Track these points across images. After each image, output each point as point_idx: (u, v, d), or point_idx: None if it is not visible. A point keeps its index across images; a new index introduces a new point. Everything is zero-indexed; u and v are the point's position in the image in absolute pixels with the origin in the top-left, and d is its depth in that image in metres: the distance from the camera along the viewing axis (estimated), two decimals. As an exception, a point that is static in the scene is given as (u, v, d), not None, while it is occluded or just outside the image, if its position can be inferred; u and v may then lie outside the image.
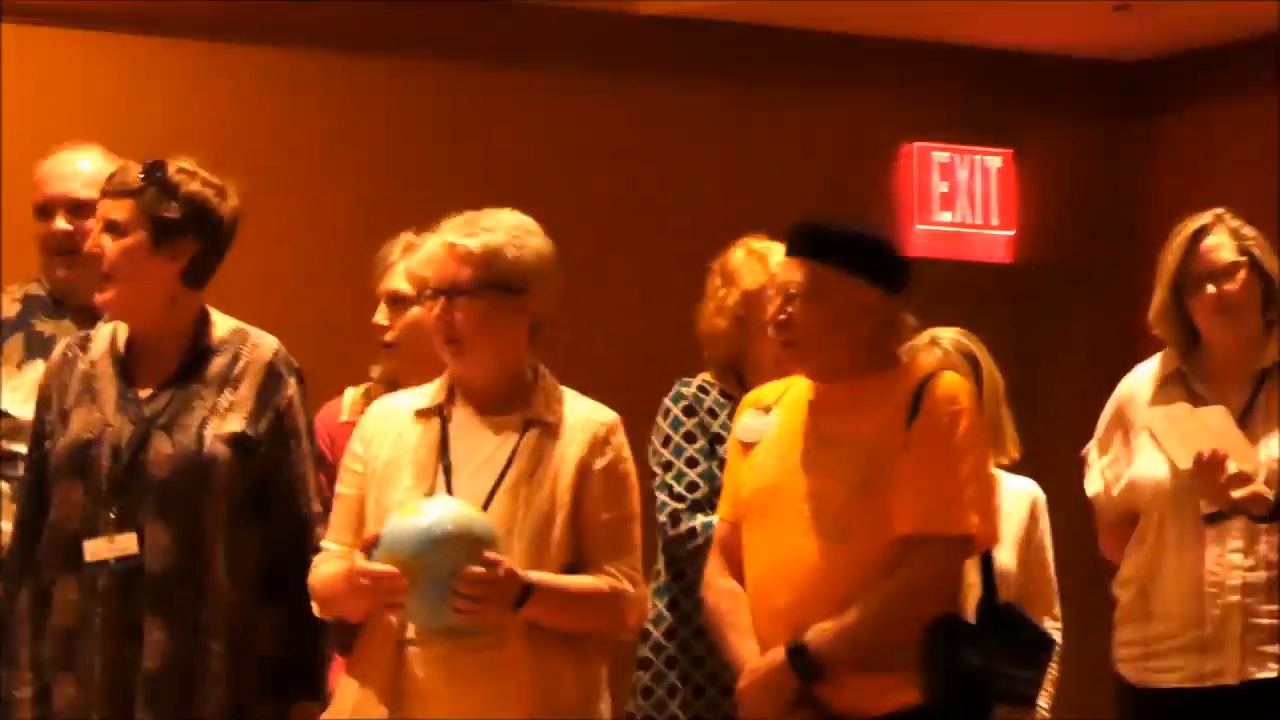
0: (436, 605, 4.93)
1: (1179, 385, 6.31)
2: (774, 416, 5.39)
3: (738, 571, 5.35)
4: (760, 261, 6.05)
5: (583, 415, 5.27)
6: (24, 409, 5.59)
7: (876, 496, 5.13)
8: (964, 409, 5.22)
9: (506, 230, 5.19)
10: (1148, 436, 6.28)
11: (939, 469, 5.14)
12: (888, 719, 5.10)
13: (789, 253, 5.38)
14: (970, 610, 5.27)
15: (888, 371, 5.30)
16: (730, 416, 5.74)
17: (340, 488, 5.30)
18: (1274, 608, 6.13)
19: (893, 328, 5.34)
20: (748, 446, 5.38)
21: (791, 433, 5.30)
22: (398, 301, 5.97)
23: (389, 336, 6.03)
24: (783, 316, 5.30)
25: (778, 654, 5.09)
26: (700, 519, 5.83)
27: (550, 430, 5.21)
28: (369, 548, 5.00)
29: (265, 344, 5.39)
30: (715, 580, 5.41)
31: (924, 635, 5.06)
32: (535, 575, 5.02)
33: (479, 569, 4.90)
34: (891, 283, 5.29)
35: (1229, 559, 6.13)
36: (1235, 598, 6.12)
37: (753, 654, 5.19)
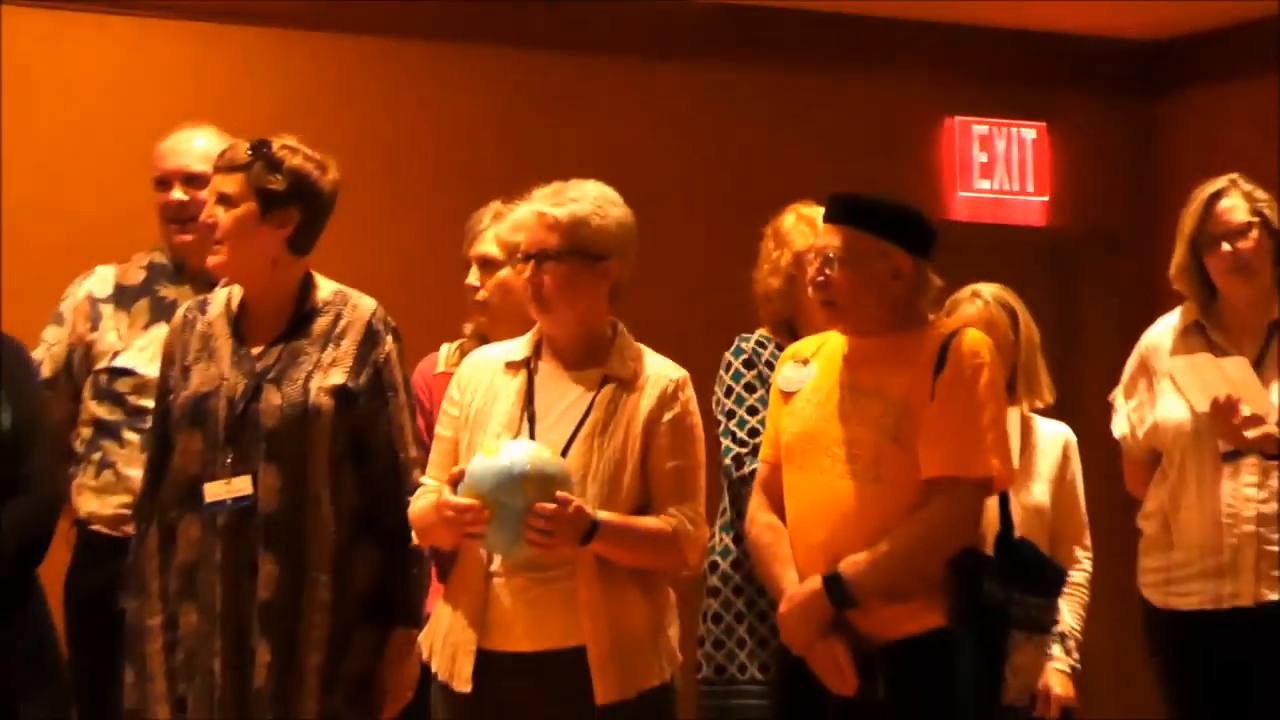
0: (510, 537, 5.03)
1: (1198, 336, 6.43)
2: (812, 368, 5.48)
3: (778, 508, 5.45)
4: (809, 225, 6.04)
5: (655, 371, 5.36)
6: (150, 367, 5.71)
7: (905, 443, 5.24)
8: (985, 363, 5.30)
9: (591, 201, 5.28)
10: (1169, 383, 6.41)
11: (962, 418, 5.24)
12: (914, 641, 5.21)
13: (827, 220, 5.47)
14: (990, 545, 5.38)
15: (916, 328, 5.39)
16: (777, 368, 5.75)
17: (439, 430, 5.41)
18: None
19: (921, 288, 5.43)
20: (788, 395, 5.48)
21: (828, 383, 5.40)
22: (487, 264, 5.99)
23: (480, 296, 6.04)
24: (821, 278, 5.39)
25: (815, 583, 5.21)
26: (754, 465, 5.77)
27: (625, 385, 5.30)
28: (455, 483, 5.12)
29: (364, 305, 5.49)
30: (758, 516, 5.50)
31: (948, 567, 5.21)
32: (603, 514, 5.12)
33: (550, 505, 4.99)
34: (920, 248, 5.40)
35: (1244, 493, 6.25)
36: (1250, 528, 6.24)
37: (792, 583, 5.29)
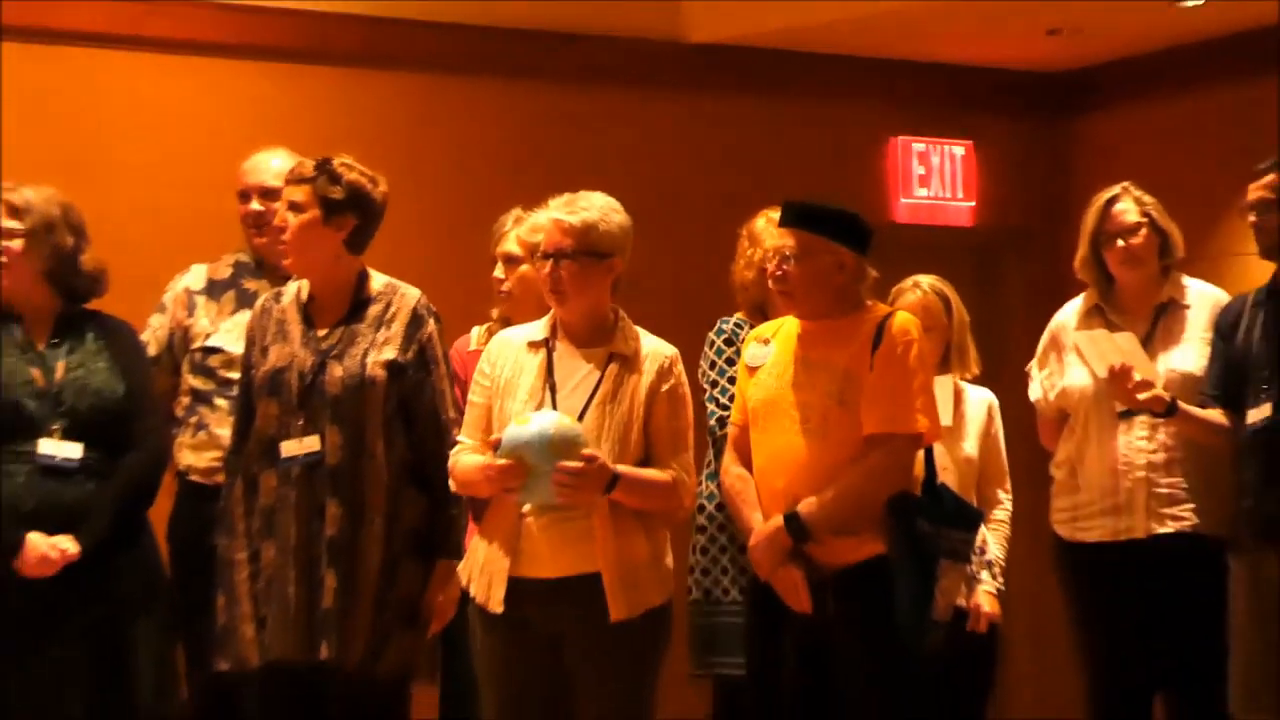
0: (542, 490, 5.06)
1: (1098, 316, 6.43)
2: (772, 346, 5.51)
3: (747, 462, 5.50)
4: (777, 226, 5.88)
5: (652, 349, 5.37)
6: (235, 346, 5.72)
7: (849, 405, 5.28)
8: (914, 339, 5.34)
9: (599, 209, 5.30)
10: (1075, 355, 6.40)
11: (896, 384, 5.28)
12: (858, 568, 5.26)
13: (782, 224, 5.50)
14: (919, 490, 5.40)
15: (857, 312, 5.42)
16: (744, 346, 5.81)
17: (472, 397, 5.41)
18: (1172, 479, 6.23)
19: (861, 279, 5.45)
20: (753, 370, 5.52)
21: (785, 358, 5.44)
22: (511, 260, 5.99)
23: (505, 287, 6.04)
24: (779, 272, 5.48)
25: (777, 521, 5.26)
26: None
27: (628, 361, 5.32)
28: (494, 447, 5.14)
29: (410, 294, 5.52)
30: (730, 468, 5.55)
31: (886, 507, 5.24)
32: (621, 467, 5.16)
33: (576, 464, 5.03)
34: (859, 245, 5.42)
35: (1136, 445, 6.25)
36: (1141, 473, 6.24)
37: (758, 522, 5.36)
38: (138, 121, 8.24)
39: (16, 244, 5.38)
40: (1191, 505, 6.26)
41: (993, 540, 6.20)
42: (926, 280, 6.27)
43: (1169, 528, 6.25)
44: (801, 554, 5.26)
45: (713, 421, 6.05)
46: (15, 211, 5.40)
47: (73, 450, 5.34)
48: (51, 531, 5.26)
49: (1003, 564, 6.29)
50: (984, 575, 6.14)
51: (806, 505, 5.24)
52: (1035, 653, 8.78)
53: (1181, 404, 6.13)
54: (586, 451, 5.10)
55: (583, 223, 5.29)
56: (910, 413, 5.30)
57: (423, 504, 5.46)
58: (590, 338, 5.37)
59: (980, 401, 6.34)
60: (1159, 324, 6.39)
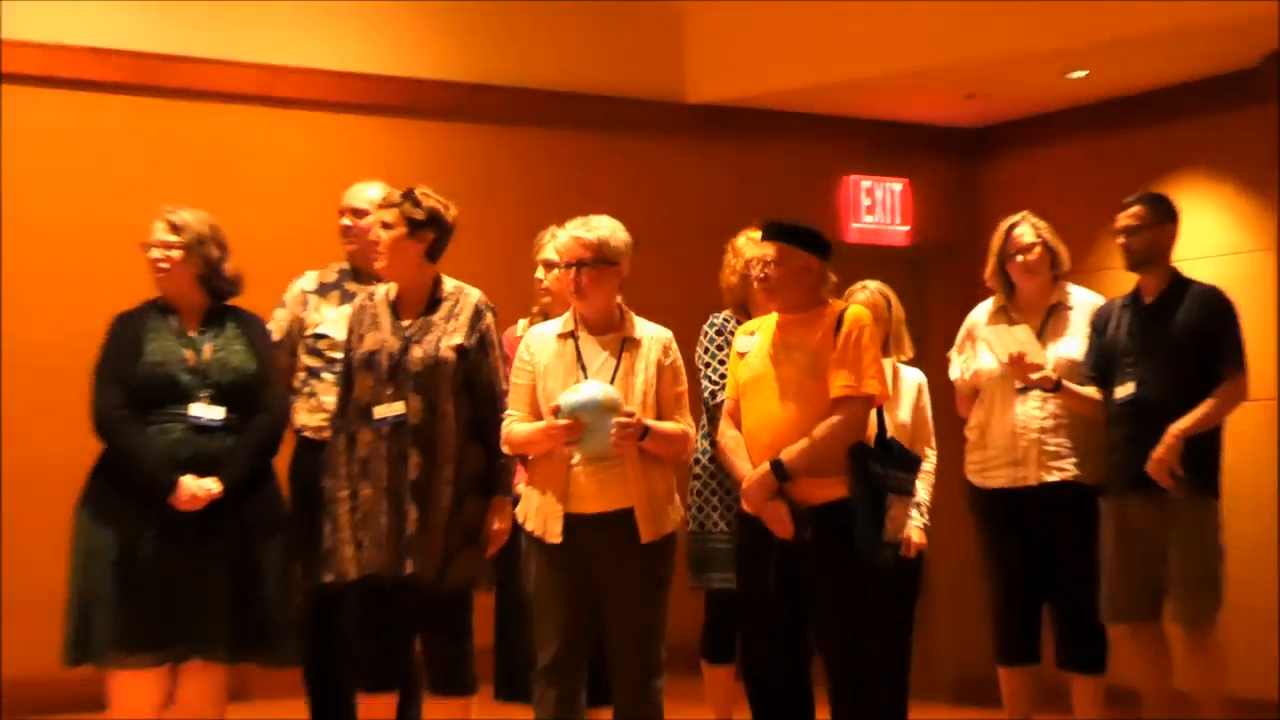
0: (597, 441, 5.19)
1: (1003, 315, 6.45)
2: (757, 337, 5.52)
3: (738, 425, 5.50)
4: (754, 242, 5.90)
5: (653, 333, 5.45)
6: (339, 333, 5.72)
7: (818, 377, 5.33)
8: (866, 325, 5.39)
9: (608, 228, 5.39)
10: (985, 345, 6.43)
11: (853, 359, 5.33)
12: (828, 504, 5.30)
13: (764, 237, 5.51)
14: (872, 441, 5.41)
15: (821, 307, 5.45)
16: (735, 336, 5.77)
17: (514, 379, 5.47)
18: (1058, 440, 6.25)
19: (824, 281, 5.48)
20: (742, 355, 5.53)
21: (767, 344, 5.47)
22: (549, 266, 5.96)
23: (545, 284, 6.03)
24: (763, 275, 5.46)
25: (764, 467, 5.29)
26: (724, 396, 5.69)
27: (635, 344, 5.39)
28: (555, 411, 5.23)
29: (473, 293, 5.58)
30: (726, 431, 5.54)
31: (848, 454, 5.29)
32: (650, 421, 5.26)
33: (626, 419, 5.18)
34: (822, 255, 5.46)
35: (1030, 413, 6.29)
36: (1034, 435, 6.28)
37: (749, 470, 5.36)
38: (266, 162, 8.31)
39: (176, 254, 5.43)
40: (1073, 460, 6.27)
41: (921, 486, 6.08)
42: (873, 284, 6.26)
43: (1055, 477, 6.28)
44: (783, 493, 5.30)
45: (706, 394, 6.04)
46: (175, 229, 5.44)
47: (216, 413, 5.40)
48: (200, 475, 5.32)
49: (928, 505, 6.26)
50: (914, 514, 6.11)
51: (787, 454, 5.28)
52: (953, 573, 8.68)
53: (1065, 382, 6.19)
54: (627, 409, 5.22)
55: (596, 239, 5.37)
56: (864, 379, 5.32)
57: (482, 454, 5.50)
58: (604, 327, 5.43)
59: (912, 379, 6.31)
60: (1049, 321, 6.41)
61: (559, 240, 5.71)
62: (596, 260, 5.40)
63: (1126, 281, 6.40)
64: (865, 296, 6.23)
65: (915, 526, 6.16)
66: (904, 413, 6.19)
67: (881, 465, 5.39)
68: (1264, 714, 7.98)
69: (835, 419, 5.32)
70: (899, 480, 5.50)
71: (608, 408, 5.22)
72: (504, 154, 8.89)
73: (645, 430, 5.26)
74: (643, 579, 5.36)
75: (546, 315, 5.89)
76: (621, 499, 5.32)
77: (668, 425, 5.37)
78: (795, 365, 5.42)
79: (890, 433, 5.56)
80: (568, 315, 5.52)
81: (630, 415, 5.22)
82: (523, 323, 6.10)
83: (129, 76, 8.16)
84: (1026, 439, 6.36)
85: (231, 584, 5.39)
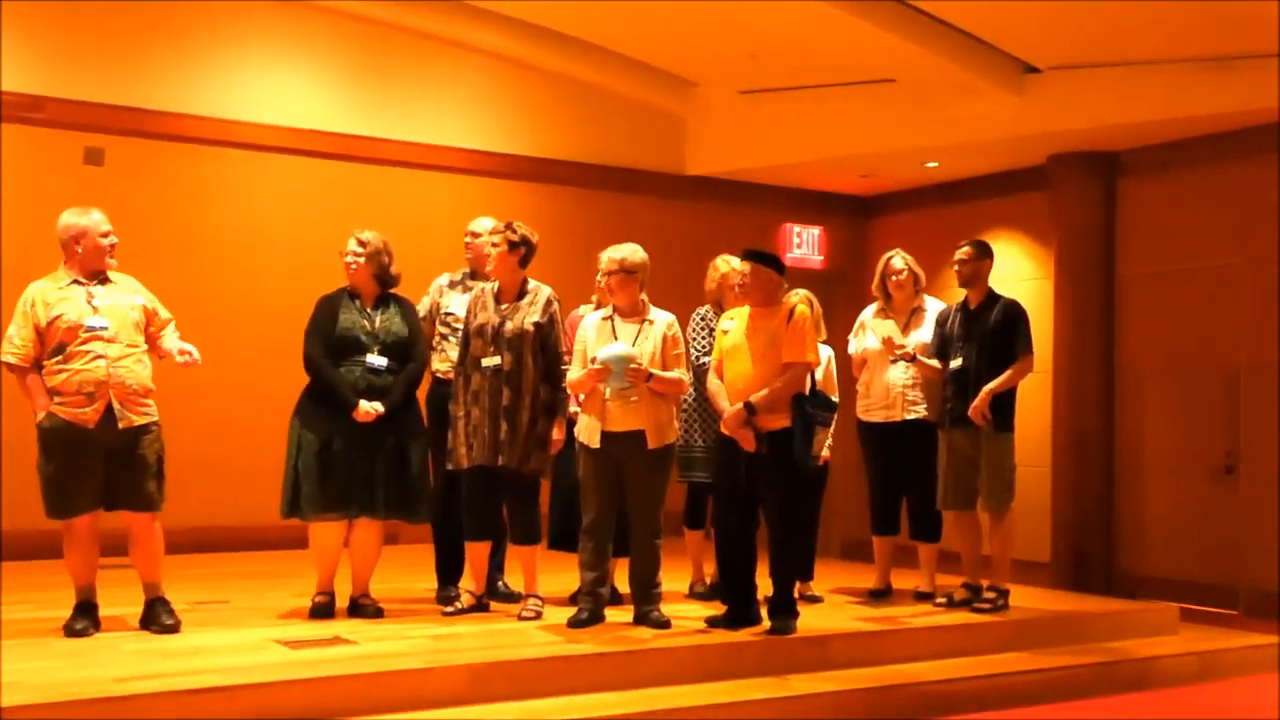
0: (618, 381, 5.17)
1: (882, 314, 6.40)
2: (735, 322, 5.43)
3: (721, 378, 5.39)
4: (726, 263, 6.00)
5: (663, 317, 5.39)
6: (462, 312, 5.62)
7: (776, 349, 5.26)
8: (806, 317, 5.35)
9: (629, 251, 5.37)
10: (870, 331, 6.38)
11: (797, 339, 5.27)
12: (778, 431, 5.22)
13: (743, 259, 5.44)
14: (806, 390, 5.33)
15: (777, 305, 5.37)
16: (717, 322, 5.68)
17: (575, 345, 5.43)
18: (915, 393, 6.23)
19: (780, 288, 5.42)
20: (725, 333, 5.44)
21: (742, 327, 5.38)
22: (601, 275, 5.62)
23: (600, 286, 5.65)
24: (741, 283, 5.42)
25: (739, 406, 5.23)
26: (707, 360, 5.59)
27: (651, 324, 5.35)
28: (593, 361, 5.22)
29: (545, 289, 5.48)
30: (711, 381, 5.44)
31: (792, 400, 5.25)
32: (654, 370, 5.23)
33: (636, 367, 5.15)
34: (779, 270, 5.40)
35: (897, 375, 6.26)
36: (899, 389, 6.27)
37: (728, 407, 5.27)
38: (419, 205, 8.22)
39: (361, 259, 5.37)
40: (924, 405, 6.24)
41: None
42: (802, 292, 5.98)
43: (912, 415, 6.28)
44: (750, 422, 5.22)
45: (692, 358, 5.83)
46: (361, 243, 5.39)
47: (382, 361, 5.31)
48: (371, 400, 5.24)
49: (830, 436, 6.00)
50: (828, 440, 5.91)
51: (755, 398, 5.22)
52: (846, 477, 8.55)
53: (919, 357, 6.17)
54: (638, 361, 5.19)
55: (621, 257, 5.37)
56: (805, 352, 5.28)
57: (549, 391, 5.41)
58: (631, 313, 5.41)
59: (826, 352, 6.05)
60: (911, 318, 6.36)
61: (602, 259, 5.61)
62: (621, 270, 5.38)
63: (960, 294, 6.33)
64: (799, 299, 5.96)
65: (828, 446, 6.00)
66: (820, 374, 6.06)
67: (811, 407, 5.32)
68: (1036, 569, 8.01)
69: (786, 376, 5.26)
70: (822, 417, 5.45)
71: (625, 360, 5.19)
72: (560, 205, 8.77)
73: (649, 375, 5.22)
74: (650, 472, 5.32)
75: (599, 305, 5.76)
76: (637, 422, 5.29)
77: (668, 374, 5.32)
78: (761, 341, 5.33)
79: (816, 387, 5.49)
80: (610, 307, 5.49)
81: (639, 366, 5.19)
82: (583, 308, 5.96)
83: (331, 149, 8.13)
84: (895, 391, 6.34)
85: (388, 468, 5.30)
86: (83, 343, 4.80)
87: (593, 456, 5.33)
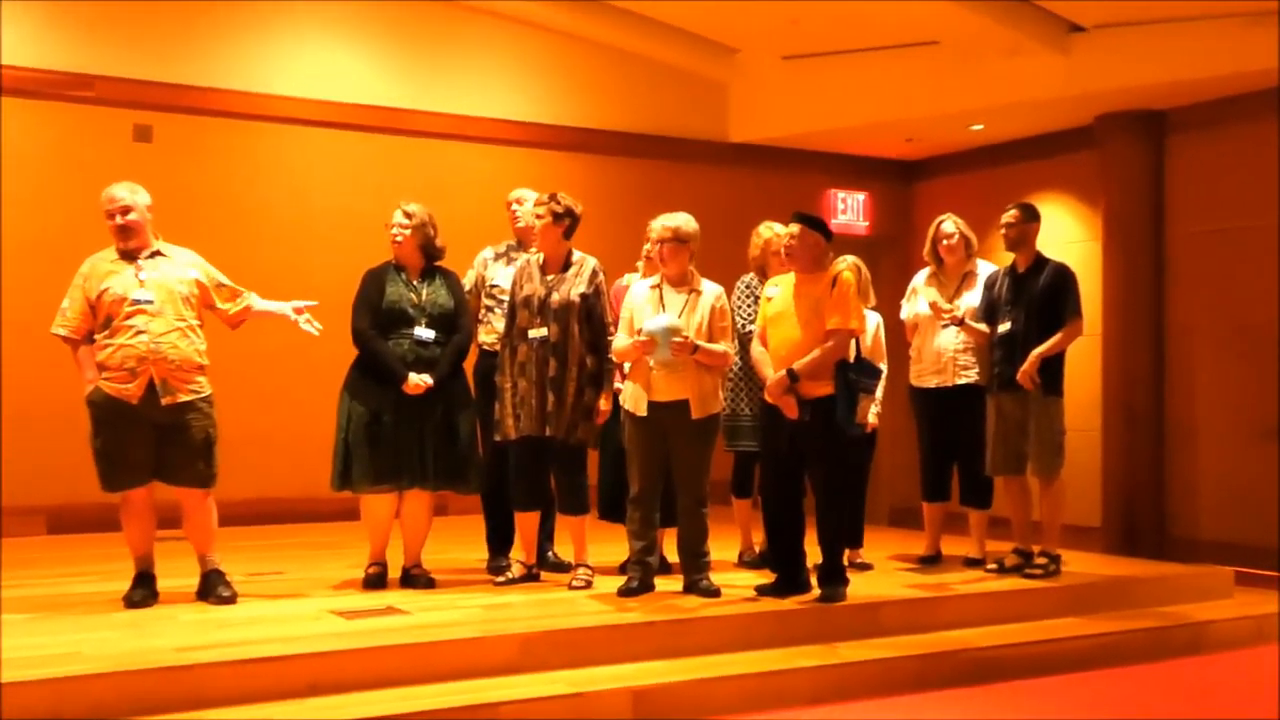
0: (662, 352, 5.13)
1: (934, 279, 6.35)
2: (780, 288, 5.38)
3: (765, 345, 5.35)
4: (770, 229, 5.97)
5: (710, 289, 5.34)
6: (507, 284, 5.58)
7: (820, 315, 5.22)
8: (851, 284, 5.26)
9: (683, 220, 5.33)
10: (921, 296, 6.33)
11: (841, 306, 5.21)
12: (822, 398, 5.18)
13: (792, 222, 5.37)
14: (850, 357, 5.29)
15: (823, 270, 5.32)
16: (761, 289, 5.59)
17: (622, 314, 5.40)
18: (966, 357, 6.14)
19: (827, 253, 5.38)
20: (769, 299, 5.39)
21: (788, 293, 5.33)
22: (651, 243, 5.60)
23: (646, 253, 5.70)
24: (788, 247, 5.36)
25: (782, 373, 5.18)
26: (752, 328, 5.55)
27: (698, 294, 5.31)
28: (639, 333, 5.20)
29: (591, 260, 5.48)
30: (755, 348, 5.41)
31: (836, 367, 5.20)
32: (699, 342, 5.20)
33: (681, 340, 5.12)
34: (826, 236, 5.35)
35: (947, 340, 6.21)
36: (950, 354, 6.22)
37: (772, 374, 5.24)
38: (460, 177, 8.24)
39: (408, 231, 5.36)
40: (975, 370, 6.19)
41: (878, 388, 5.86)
42: (849, 258, 5.94)
43: (963, 380, 6.23)
44: (793, 389, 5.19)
45: (737, 326, 5.86)
46: (407, 215, 5.36)
47: (430, 334, 5.31)
48: (420, 371, 5.24)
49: (879, 401, 6.03)
50: (873, 406, 5.84)
51: (798, 365, 5.18)
52: (896, 444, 8.58)
53: (968, 320, 6.11)
54: (684, 334, 5.16)
55: (675, 225, 5.32)
56: (849, 319, 5.21)
57: (595, 362, 5.40)
58: (679, 283, 5.37)
59: (873, 319, 6.04)
60: (963, 282, 6.30)
61: (653, 226, 5.59)
62: (675, 240, 5.34)
63: (1008, 257, 6.27)
64: (846, 265, 5.90)
65: (875, 414, 5.94)
66: (868, 340, 5.93)
67: (855, 374, 5.28)
68: (1088, 534, 7.97)
69: (829, 343, 5.22)
70: (866, 384, 5.40)
71: (671, 331, 5.17)
72: (603, 174, 8.78)
73: (695, 347, 5.19)
74: (694, 441, 5.28)
75: (645, 273, 5.74)
76: (681, 392, 5.26)
77: (714, 346, 5.29)
78: (805, 307, 5.28)
79: (862, 353, 5.45)
80: (659, 275, 5.44)
81: (685, 338, 5.16)
82: (628, 277, 5.94)
83: (374, 122, 8.17)
84: (946, 356, 6.29)
85: (438, 440, 5.31)
86: (127, 317, 4.81)
87: (638, 425, 5.31)
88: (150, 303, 4.83)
